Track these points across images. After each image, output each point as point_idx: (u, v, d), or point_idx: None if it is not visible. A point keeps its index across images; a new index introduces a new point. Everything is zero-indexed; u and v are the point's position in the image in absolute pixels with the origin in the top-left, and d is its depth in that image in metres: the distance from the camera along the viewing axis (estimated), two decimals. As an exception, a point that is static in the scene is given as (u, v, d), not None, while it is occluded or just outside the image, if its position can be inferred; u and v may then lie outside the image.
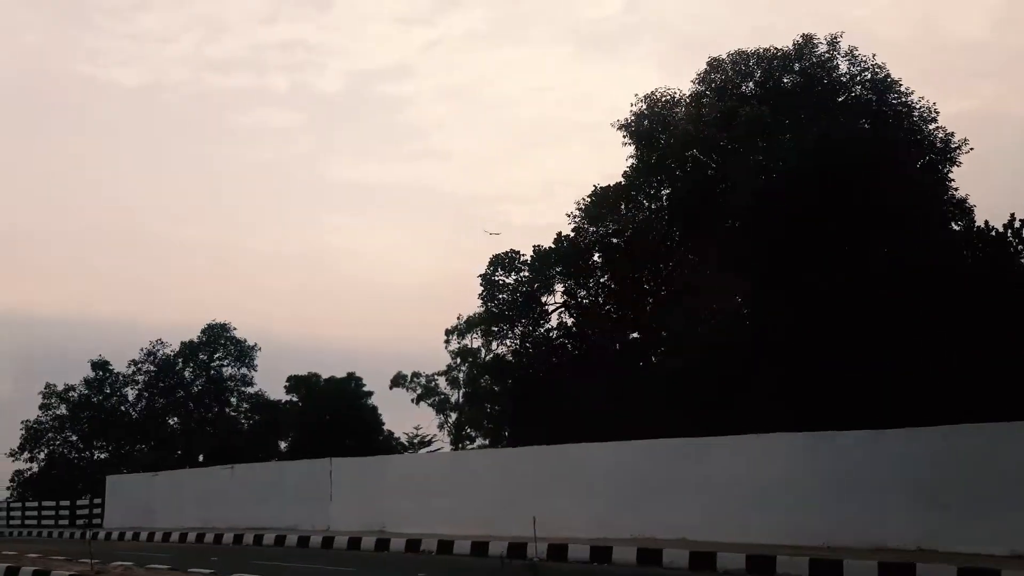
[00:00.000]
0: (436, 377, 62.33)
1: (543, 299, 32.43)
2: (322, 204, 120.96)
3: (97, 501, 32.85)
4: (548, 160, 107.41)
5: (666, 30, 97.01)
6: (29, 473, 48.10)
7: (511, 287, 32.02)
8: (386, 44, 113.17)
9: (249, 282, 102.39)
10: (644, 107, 29.84)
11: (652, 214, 29.96)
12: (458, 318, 63.87)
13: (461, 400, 62.11)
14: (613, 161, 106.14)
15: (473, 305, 37.19)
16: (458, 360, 62.74)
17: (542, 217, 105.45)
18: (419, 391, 61.87)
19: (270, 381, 52.80)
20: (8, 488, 48.78)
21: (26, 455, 47.96)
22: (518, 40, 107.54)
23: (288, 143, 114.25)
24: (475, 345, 63.08)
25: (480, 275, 32.52)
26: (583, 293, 31.83)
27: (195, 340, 49.58)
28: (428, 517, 20.46)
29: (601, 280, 31.75)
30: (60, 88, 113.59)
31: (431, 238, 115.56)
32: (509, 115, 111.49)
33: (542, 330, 32.75)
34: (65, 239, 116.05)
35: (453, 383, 62.76)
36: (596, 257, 31.19)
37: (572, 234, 31.27)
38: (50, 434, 48.22)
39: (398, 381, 61.75)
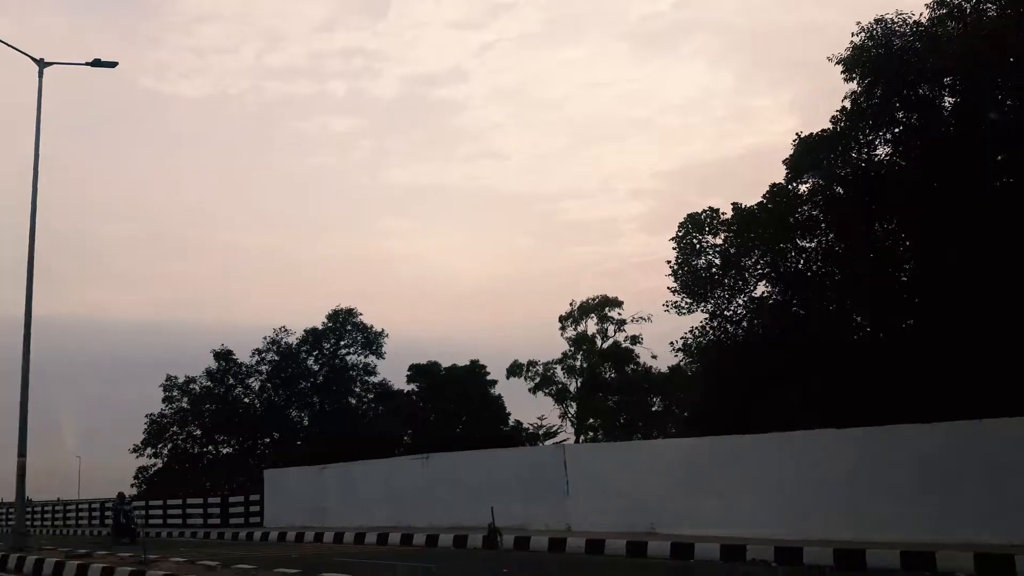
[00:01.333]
0: (553, 365, 58.54)
1: (745, 263, 27.79)
2: (381, 206, 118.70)
3: (254, 498, 29.24)
4: (605, 155, 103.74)
5: (716, 24, 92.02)
6: (154, 469, 45.11)
7: (715, 250, 27.40)
8: (441, 49, 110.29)
9: (319, 285, 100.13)
10: (866, 37, 25.13)
11: (884, 157, 25.27)
12: (571, 304, 59.99)
13: (579, 388, 58.17)
14: (676, 152, 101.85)
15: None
16: (572, 348, 58.92)
17: (602, 211, 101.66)
18: (537, 380, 58.19)
19: (385, 372, 49.41)
20: (133, 485, 45.90)
21: (150, 451, 45.01)
22: (571, 40, 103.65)
23: (348, 148, 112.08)
24: (591, 331, 59.43)
25: (672, 238, 28.02)
26: (796, 256, 27.23)
27: (320, 327, 46.17)
28: (719, 515, 16.22)
29: (812, 244, 27.18)
30: (131, 103, 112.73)
31: (487, 237, 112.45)
32: (564, 114, 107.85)
33: (742, 299, 28.09)
34: (147, 248, 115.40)
35: (570, 371, 58.89)
36: (814, 213, 26.56)
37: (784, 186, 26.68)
38: (173, 428, 45.15)
39: (515, 370, 57.98)
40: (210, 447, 46.10)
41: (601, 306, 58.43)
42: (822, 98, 78.24)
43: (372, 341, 46.00)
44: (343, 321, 45.96)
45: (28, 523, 48.03)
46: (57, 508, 46.45)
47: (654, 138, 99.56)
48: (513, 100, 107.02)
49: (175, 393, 45.10)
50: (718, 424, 24.59)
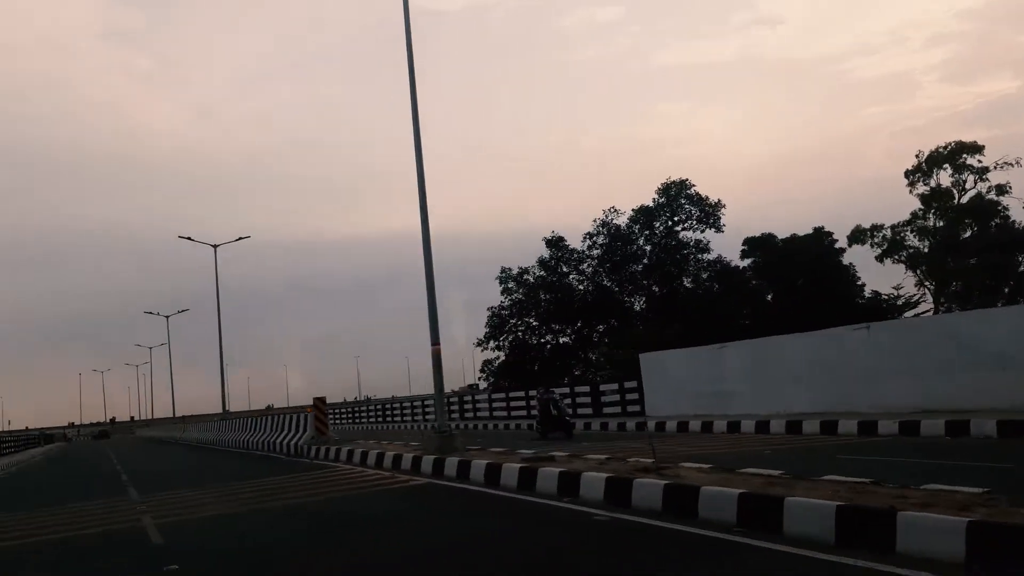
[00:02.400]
0: (902, 228, 50.57)
1: None
2: (657, 90, 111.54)
3: (629, 385, 26.28)
4: (894, 2, 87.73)
5: None
6: (498, 361, 44.48)
7: None
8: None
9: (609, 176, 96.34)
10: None
11: None
12: (917, 155, 51.06)
13: (932, 250, 49.90)
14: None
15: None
16: (923, 207, 50.38)
17: (893, 66, 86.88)
18: (884, 246, 50.67)
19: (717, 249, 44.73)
20: (479, 378, 45.91)
21: (492, 344, 44.31)
22: None
23: (615, 36, 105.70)
24: (944, 184, 50.44)
25: None
26: None
27: (651, 204, 42.29)
28: None
29: None
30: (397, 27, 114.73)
31: (773, 108, 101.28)
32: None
33: None
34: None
35: (922, 232, 50.62)
36: None
37: None
38: (512, 320, 44.00)
39: (857, 236, 50.76)
40: (548, 336, 44.60)
41: (955, 154, 49.24)
42: None
43: (709, 214, 41.29)
44: (675, 194, 41.64)
45: (374, 421, 49.25)
46: (415, 404, 47.14)
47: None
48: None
49: (510, 284, 43.77)
50: None
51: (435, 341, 14.07)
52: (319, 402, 21.30)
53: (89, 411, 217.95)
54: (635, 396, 25.68)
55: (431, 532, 8.14)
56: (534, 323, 43.95)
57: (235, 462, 21.29)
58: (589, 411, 27.81)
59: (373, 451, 15.57)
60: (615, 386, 27.28)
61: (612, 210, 42.50)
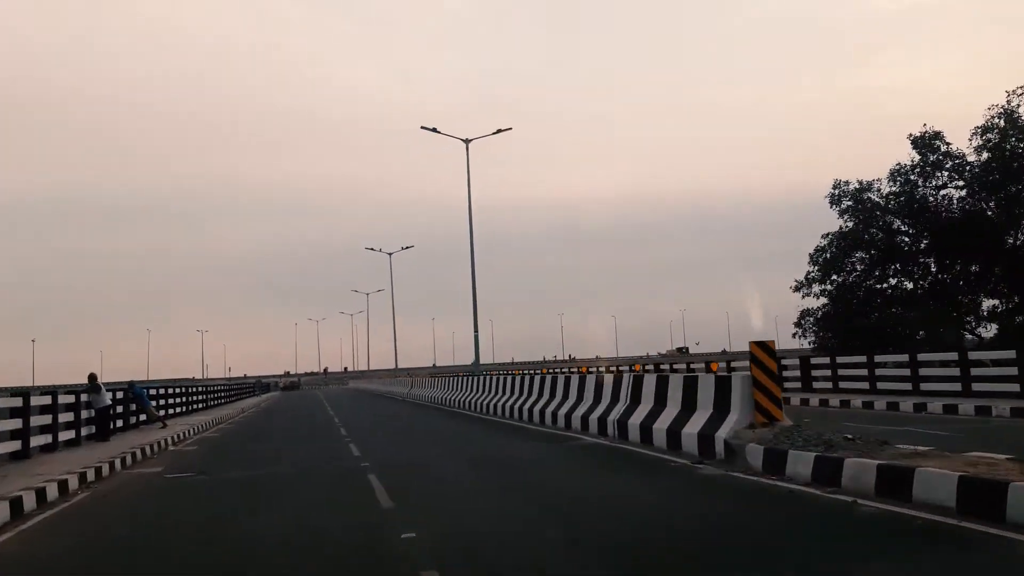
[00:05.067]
0: None
1: None
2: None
3: None
4: None
5: None
6: (822, 311, 32.23)
7: None
8: None
9: None
10: None
11: None
12: None
13: None
14: None
15: None
16: None
17: None
18: None
19: None
20: (795, 335, 33.36)
21: (816, 288, 32.13)
22: None
23: None
24: None
25: None
26: None
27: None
28: None
29: None
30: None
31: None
32: None
33: None
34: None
35: None
36: None
37: None
38: (848, 258, 31.60)
39: None
40: (895, 279, 31.87)
41: None
42: None
43: None
44: None
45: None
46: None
47: None
48: None
49: (848, 203, 31.30)
50: None
51: None
52: (761, 351, 10.25)
53: (304, 360, 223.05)
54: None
55: None
56: (873, 256, 31.29)
57: (604, 478, 10.36)
58: (957, 387, 15.97)
59: None
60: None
61: (1019, 91, 28.68)
